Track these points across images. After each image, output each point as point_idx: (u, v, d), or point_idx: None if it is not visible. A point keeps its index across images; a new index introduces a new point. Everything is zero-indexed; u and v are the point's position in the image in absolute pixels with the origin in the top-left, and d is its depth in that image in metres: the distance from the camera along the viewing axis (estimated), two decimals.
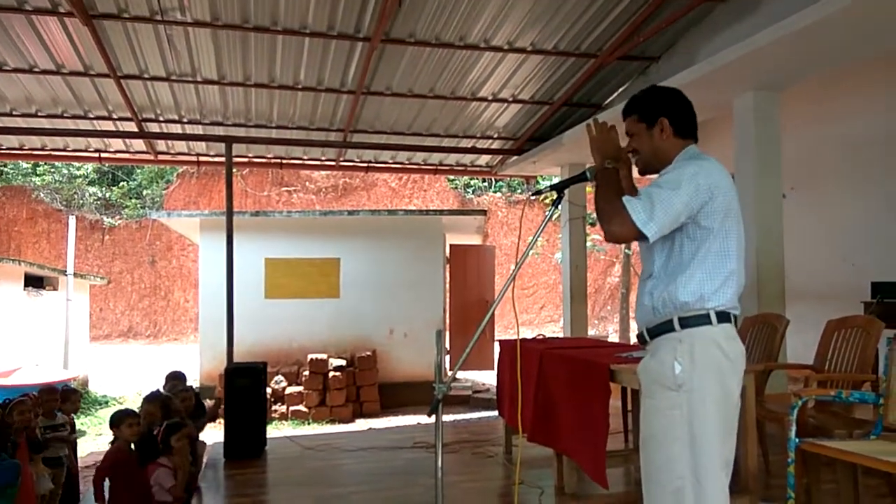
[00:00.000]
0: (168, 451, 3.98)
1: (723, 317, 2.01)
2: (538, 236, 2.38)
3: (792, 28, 4.18)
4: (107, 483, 4.01)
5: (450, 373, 2.59)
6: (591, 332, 12.79)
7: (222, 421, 5.41)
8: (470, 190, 24.43)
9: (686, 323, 1.99)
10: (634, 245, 18.02)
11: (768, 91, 5.35)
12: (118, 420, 4.13)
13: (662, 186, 2.00)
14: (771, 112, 5.39)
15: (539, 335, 5.73)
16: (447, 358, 10.89)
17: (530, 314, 22.21)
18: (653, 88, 2.27)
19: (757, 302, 5.13)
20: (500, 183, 23.96)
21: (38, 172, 24.05)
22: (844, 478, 2.95)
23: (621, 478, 4.35)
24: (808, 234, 7.18)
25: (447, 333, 11.37)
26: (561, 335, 10.46)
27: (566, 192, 2.39)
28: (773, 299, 5.22)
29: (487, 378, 11.71)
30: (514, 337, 3.48)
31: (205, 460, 5.08)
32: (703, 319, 1.99)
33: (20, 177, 24.08)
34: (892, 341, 3.11)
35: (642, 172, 2.33)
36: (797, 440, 2.88)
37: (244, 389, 5.26)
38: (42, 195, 23.97)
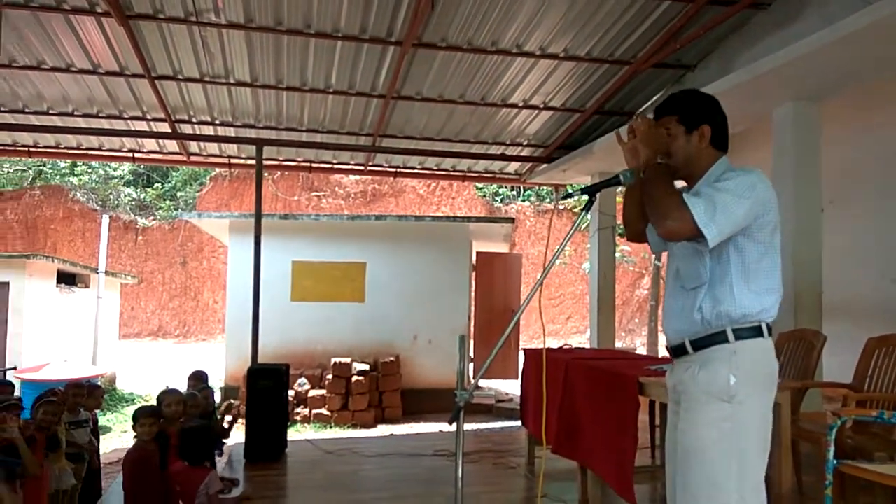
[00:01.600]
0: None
1: (771, 330, 2.03)
2: (566, 242, 2.31)
3: (837, 35, 4.05)
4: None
5: (472, 380, 2.52)
6: (619, 345, 12.60)
7: (243, 422, 5.39)
8: (498, 198, 24.34)
9: (741, 335, 1.97)
10: (665, 257, 17.73)
11: (809, 101, 5.21)
12: (134, 418, 4.13)
13: (723, 191, 1.96)
14: (812, 123, 5.24)
15: (565, 345, 5.64)
16: (471, 366, 10.79)
17: (556, 324, 22.00)
18: (695, 92, 2.21)
19: (793, 318, 4.97)
20: (529, 192, 23.82)
21: (75, 172, 24.61)
22: (884, 502, 2.80)
23: (647, 494, 4.24)
24: (846, 250, 6.95)
25: (471, 341, 11.28)
26: (587, 346, 10.30)
27: (597, 197, 2.31)
28: (810, 315, 5.06)
29: (511, 387, 11.59)
30: (540, 346, 3.42)
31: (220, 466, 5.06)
32: (756, 332, 1.98)
33: (58, 176, 24.66)
34: None
35: (673, 173, 2.25)
36: (835, 462, 2.75)
37: (266, 391, 5.25)
38: (79, 195, 24.50)
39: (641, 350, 15.77)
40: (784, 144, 5.31)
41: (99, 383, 9.45)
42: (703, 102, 2.16)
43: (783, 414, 2.96)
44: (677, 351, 2.11)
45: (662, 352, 14.70)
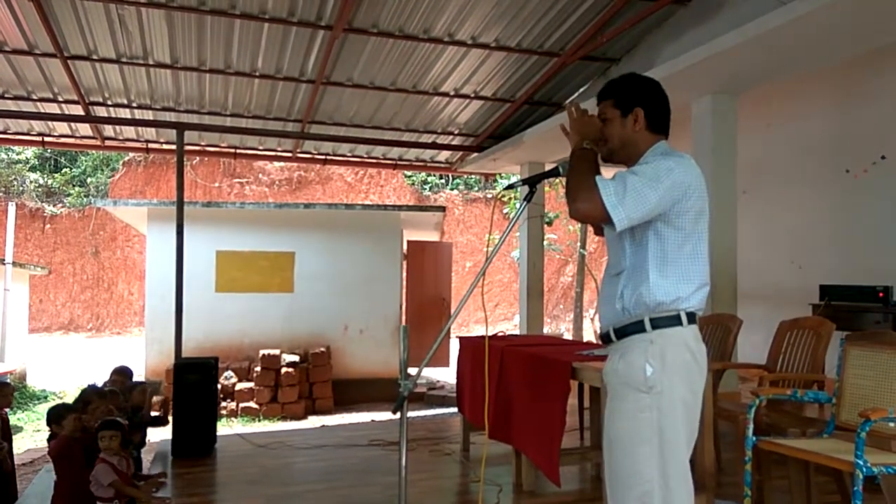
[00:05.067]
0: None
1: (691, 318, 2.00)
2: (508, 232, 2.34)
3: (753, 33, 4.26)
4: (54, 477, 3.81)
5: (414, 370, 2.53)
6: (546, 330, 12.90)
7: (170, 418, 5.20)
8: (427, 187, 24.34)
9: (657, 324, 1.95)
10: (590, 245, 18.26)
11: (726, 94, 5.46)
12: (58, 416, 3.92)
13: (638, 174, 1.94)
14: (728, 115, 5.50)
15: (501, 332, 5.73)
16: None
17: (486, 312, 22.28)
18: (633, 76, 2.19)
19: (711, 303, 5.23)
20: (458, 180, 23.95)
21: None
22: (796, 475, 3.01)
23: (577, 475, 4.37)
24: (757, 237, 7.37)
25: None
26: (517, 332, 10.49)
27: (537, 188, 2.34)
28: (726, 300, 5.33)
29: (442, 375, 11.68)
30: (471, 334, 3.45)
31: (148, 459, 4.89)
32: (674, 320, 1.96)
33: None
34: (844, 343, 3.19)
35: (605, 159, 2.29)
36: (754, 438, 2.92)
37: (194, 385, 5.08)
38: None
39: (567, 336, 16.21)
40: (703, 135, 5.55)
41: (8, 380, 8.90)
42: (638, 85, 2.14)
43: (705, 395, 3.10)
44: (604, 339, 2.12)
45: (587, 337, 15.16)
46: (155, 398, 5.24)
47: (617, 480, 1.97)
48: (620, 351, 2.03)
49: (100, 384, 4.77)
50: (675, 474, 1.91)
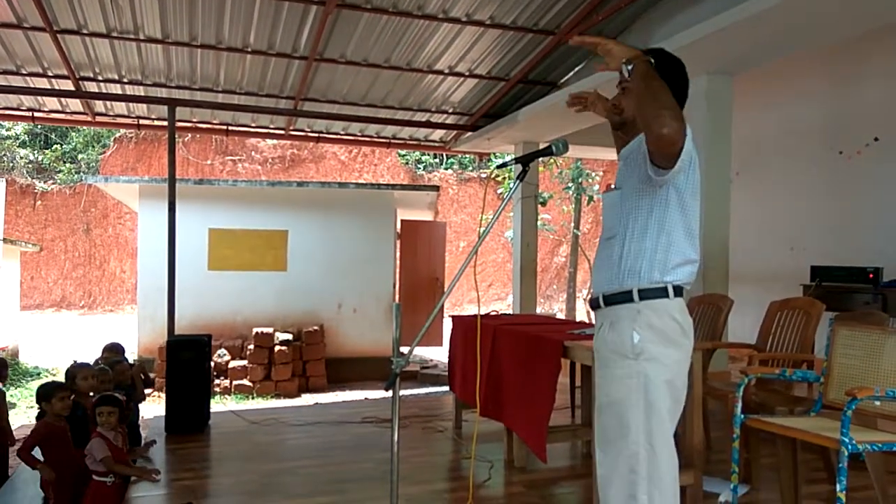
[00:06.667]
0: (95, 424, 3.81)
1: (678, 291, 2.05)
2: (502, 210, 2.34)
3: (748, 13, 4.23)
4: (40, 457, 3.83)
5: (406, 348, 2.54)
6: (539, 310, 12.96)
7: (162, 395, 5.23)
8: (421, 166, 24.25)
9: (645, 295, 2.00)
10: (583, 225, 18.27)
11: (722, 75, 5.44)
12: (48, 393, 3.93)
13: None
14: (723, 96, 5.49)
15: (494, 311, 5.75)
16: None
17: (478, 291, 22.34)
18: (662, 51, 2.13)
19: (702, 283, 5.26)
20: (452, 160, 23.87)
21: None
22: (784, 453, 3.05)
23: (567, 452, 4.42)
24: (750, 218, 7.39)
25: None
26: (510, 312, 10.54)
27: (529, 167, 2.34)
28: (717, 281, 5.36)
29: (435, 354, 11.74)
30: (464, 313, 3.47)
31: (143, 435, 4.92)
32: (660, 292, 2.01)
33: None
34: (833, 323, 3.22)
35: (616, 127, 2.27)
36: (743, 416, 2.96)
37: (187, 362, 5.09)
38: None
39: (560, 316, 16.30)
40: (697, 116, 5.52)
41: (1, 356, 8.89)
42: (667, 61, 2.09)
43: (695, 373, 3.14)
44: (593, 304, 2.17)
45: (580, 317, 15.24)
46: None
47: (606, 444, 2.06)
48: (610, 319, 2.09)
49: (91, 362, 4.77)
50: (660, 439, 1.98)
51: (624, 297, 2.03)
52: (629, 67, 1.96)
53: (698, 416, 3.22)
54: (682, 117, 1.84)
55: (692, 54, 4.99)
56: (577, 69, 7.03)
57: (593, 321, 2.34)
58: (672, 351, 2.01)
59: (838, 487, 2.44)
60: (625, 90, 2.15)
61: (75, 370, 4.30)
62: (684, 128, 1.83)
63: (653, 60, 1.97)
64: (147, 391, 5.10)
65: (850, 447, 2.45)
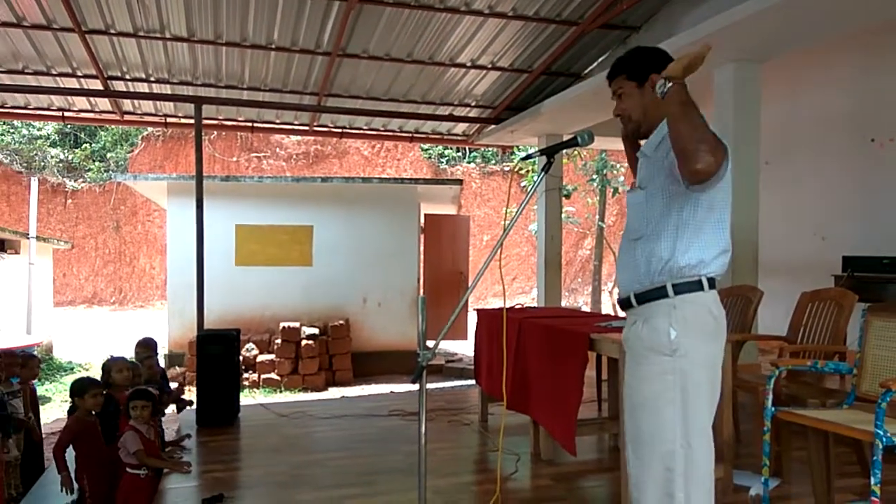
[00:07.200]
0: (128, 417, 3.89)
1: (712, 283, 2.03)
2: (526, 204, 2.33)
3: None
4: (71, 454, 3.91)
5: (432, 341, 2.55)
6: (563, 304, 12.91)
7: (193, 389, 5.31)
8: (444, 160, 24.23)
9: (680, 289, 1.98)
10: (608, 218, 18.09)
11: (750, 62, 5.34)
12: (81, 388, 4.01)
13: None
14: (752, 83, 5.39)
15: (519, 304, 5.74)
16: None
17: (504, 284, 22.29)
18: (638, 48, 2.18)
19: (731, 274, 5.19)
20: (475, 153, 23.80)
21: None
22: (816, 446, 3.00)
23: (594, 445, 4.40)
24: (779, 208, 7.27)
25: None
26: (534, 306, 10.51)
27: (554, 159, 2.33)
28: (747, 272, 5.29)
29: (459, 348, 11.76)
30: (488, 307, 3.47)
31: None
32: (695, 286, 1.98)
33: None
34: (866, 313, 3.15)
35: (632, 136, 2.27)
36: (773, 409, 2.92)
37: (217, 357, 5.16)
38: (0, 156, 23.11)
39: (585, 309, 16.19)
40: (724, 104, 5.44)
41: (35, 352, 9.10)
42: (648, 54, 2.13)
43: (725, 365, 3.10)
44: (624, 304, 2.15)
45: (605, 310, 15.13)
46: (178, 369, 5.32)
47: (640, 443, 2.03)
48: (644, 316, 2.06)
49: (127, 357, 4.86)
50: (698, 435, 1.95)
51: (658, 294, 2.01)
52: (669, 85, 1.90)
53: (728, 410, 3.19)
54: (718, 148, 1.84)
55: (720, 42, 4.92)
56: (600, 60, 6.96)
57: (619, 314, 2.32)
58: (708, 345, 2.00)
59: (873, 481, 2.39)
60: (621, 97, 2.15)
61: (110, 364, 4.39)
62: (722, 157, 1.85)
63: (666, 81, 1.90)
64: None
65: (885, 440, 2.40)
